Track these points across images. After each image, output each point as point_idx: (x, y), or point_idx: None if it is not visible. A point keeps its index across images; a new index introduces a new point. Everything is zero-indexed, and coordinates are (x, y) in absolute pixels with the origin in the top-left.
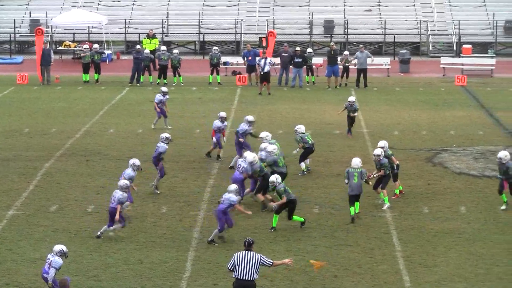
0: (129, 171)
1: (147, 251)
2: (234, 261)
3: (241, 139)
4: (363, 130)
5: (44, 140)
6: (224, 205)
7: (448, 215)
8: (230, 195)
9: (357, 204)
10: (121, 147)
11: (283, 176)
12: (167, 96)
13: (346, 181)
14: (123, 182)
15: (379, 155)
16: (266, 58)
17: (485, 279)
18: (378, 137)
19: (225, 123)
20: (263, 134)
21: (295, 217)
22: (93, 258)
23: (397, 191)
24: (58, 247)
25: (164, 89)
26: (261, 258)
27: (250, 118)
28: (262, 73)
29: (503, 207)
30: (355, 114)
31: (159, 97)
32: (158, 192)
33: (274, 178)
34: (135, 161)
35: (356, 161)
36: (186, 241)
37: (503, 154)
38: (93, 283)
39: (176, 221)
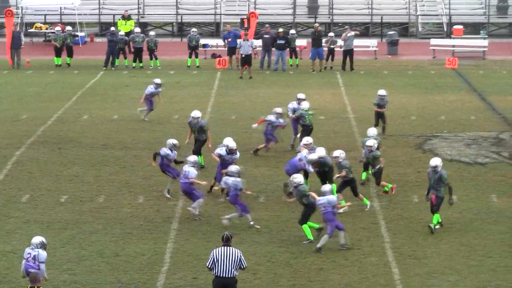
0: (165, 150)
1: (123, 243)
2: (213, 258)
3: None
4: (350, 115)
5: (15, 127)
6: (329, 209)
7: None
8: (329, 197)
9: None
10: (95, 134)
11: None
12: (160, 89)
13: (363, 151)
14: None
15: (337, 157)
16: (247, 40)
17: (477, 271)
18: (365, 122)
19: (281, 120)
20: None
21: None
22: (66, 251)
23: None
24: (38, 239)
25: (158, 80)
26: (241, 256)
27: (302, 96)
28: (243, 55)
29: (436, 226)
30: (384, 109)
31: (150, 89)
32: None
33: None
34: (171, 140)
35: (373, 131)
36: (164, 232)
37: (437, 161)
38: (66, 276)
39: (153, 212)
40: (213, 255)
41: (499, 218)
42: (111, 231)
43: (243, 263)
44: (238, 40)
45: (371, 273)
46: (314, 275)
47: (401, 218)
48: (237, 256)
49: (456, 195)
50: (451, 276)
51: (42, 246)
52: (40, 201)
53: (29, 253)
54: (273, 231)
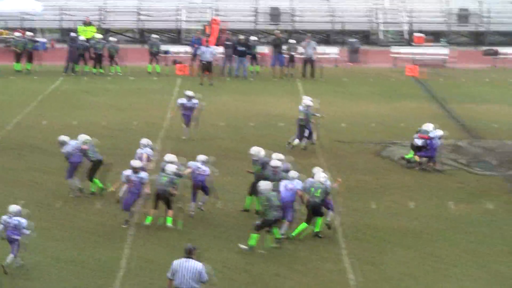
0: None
1: (80, 249)
2: (173, 269)
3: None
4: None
5: None
6: None
7: (397, 211)
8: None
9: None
10: (55, 140)
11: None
12: (195, 101)
13: None
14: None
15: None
16: (208, 47)
17: (434, 277)
18: (325, 129)
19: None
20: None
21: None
22: (22, 257)
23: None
24: (15, 208)
25: (189, 93)
26: (201, 269)
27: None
28: (204, 62)
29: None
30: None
31: (181, 100)
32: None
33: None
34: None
35: (430, 126)
36: (121, 238)
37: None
38: (22, 282)
39: (110, 217)
40: (173, 266)
41: (456, 224)
42: (67, 237)
43: (204, 276)
44: (201, 47)
45: (328, 279)
46: (271, 281)
47: (359, 224)
48: (197, 269)
49: (414, 202)
50: (408, 282)
51: (19, 214)
52: None
53: (8, 222)
54: (231, 237)
